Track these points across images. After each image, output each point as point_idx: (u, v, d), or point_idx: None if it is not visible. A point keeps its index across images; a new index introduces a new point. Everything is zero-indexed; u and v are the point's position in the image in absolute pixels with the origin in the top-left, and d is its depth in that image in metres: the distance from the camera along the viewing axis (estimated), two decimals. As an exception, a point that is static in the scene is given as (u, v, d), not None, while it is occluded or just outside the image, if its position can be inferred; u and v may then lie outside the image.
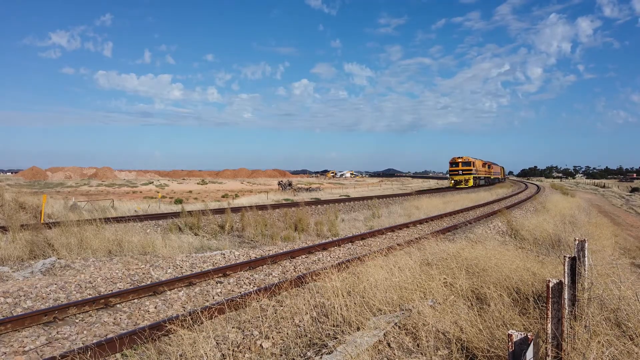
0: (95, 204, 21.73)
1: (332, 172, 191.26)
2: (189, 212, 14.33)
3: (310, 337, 4.76)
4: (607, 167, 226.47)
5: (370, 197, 27.92)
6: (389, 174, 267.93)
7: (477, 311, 4.69)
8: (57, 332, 5.49)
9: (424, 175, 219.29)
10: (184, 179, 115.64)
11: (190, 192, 71.31)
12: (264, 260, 9.27)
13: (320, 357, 4.07)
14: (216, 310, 5.74)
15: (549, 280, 3.42)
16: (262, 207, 18.39)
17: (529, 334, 2.68)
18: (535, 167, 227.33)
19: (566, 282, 3.70)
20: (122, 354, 4.82)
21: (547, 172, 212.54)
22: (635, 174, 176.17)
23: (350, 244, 11.92)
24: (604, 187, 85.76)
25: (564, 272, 3.83)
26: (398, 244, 9.90)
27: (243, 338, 4.92)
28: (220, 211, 16.45)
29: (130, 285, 7.51)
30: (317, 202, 24.73)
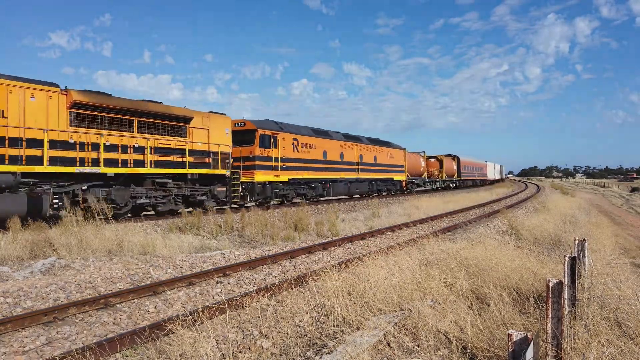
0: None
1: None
2: (189, 211, 14.32)
3: (310, 337, 4.76)
4: (607, 166, 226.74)
5: (371, 197, 27.92)
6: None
7: (477, 311, 4.69)
8: (57, 332, 5.48)
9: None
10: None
11: (190, 192, 71.22)
12: (264, 260, 9.27)
13: (320, 357, 4.07)
14: (216, 310, 5.74)
15: (549, 280, 3.42)
16: (262, 207, 18.38)
17: (529, 333, 2.68)
18: (535, 166, 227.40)
19: (566, 282, 3.70)
20: (122, 354, 4.82)
21: (547, 172, 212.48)
22: (635, 174, 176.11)
23: (350, 243, 11.92)
24: (604, 186, 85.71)
25: (564, 271, 3.83)
26: (398, 244, 9.90)
27: (243, 338, 4.92)
28: (220, 211, 16.43)
29: (130, 285, 7.51)
30: (317, 202, 24.70)
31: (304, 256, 10.16)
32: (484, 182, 63.26)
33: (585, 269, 4.79)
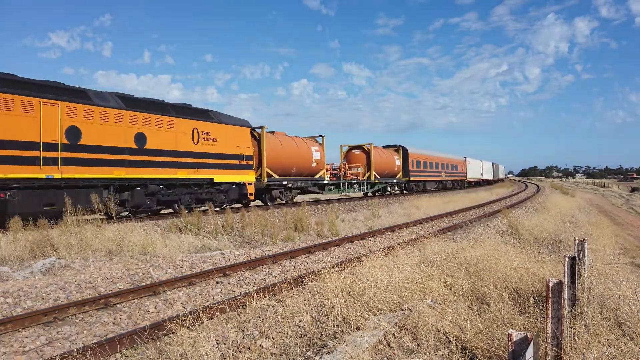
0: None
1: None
2: (188, 211, 14.32)
3: (310, 337, 4.76)
4: (607, 166, 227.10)
5: (371, 197, 27.87)
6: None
7: (477, 311, 4.69)
8: (57, 332, 5.49)
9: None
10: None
11: (190, 192, 71.17)
12: (264, 260, 9.27)
13: (320, 357, 4.07)
14: (217, 310, 5.75)
15: (549, 280, 3.43)
16: (262, 207, 18.38)
17: (528, 333, 2.68)
18: (535, 167, 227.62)
19: (566, 282, 3.70)
20: (122, 354, 4.82)
21: (547, 172, 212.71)
22: (635, 174, 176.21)
23: (350, 243, 11.92)
24: (603, 186, 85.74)
25: (564, 271, 3.84)
26: (398, 244, 9.90)
27: (243, 338, 4.92)
28: (220, 211, 16.44)
29: (130, 285, 7.51)
30: (317, 202, 24.72)
31: (304, 256, 10.16)
32: (460, 185, 47.73)
33: (585, 269, 4.79)
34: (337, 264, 8.20)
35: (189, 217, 13.28)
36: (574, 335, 3.71)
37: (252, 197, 18.65)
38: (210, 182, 16.67)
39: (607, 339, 3.88)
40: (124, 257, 9.29)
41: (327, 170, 25.02)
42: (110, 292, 7.04)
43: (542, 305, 4.79)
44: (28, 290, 6.84)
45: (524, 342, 2.65)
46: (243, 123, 18.52)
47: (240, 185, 18.10)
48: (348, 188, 26.87)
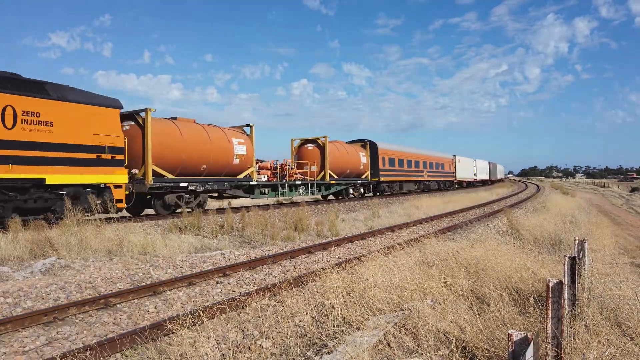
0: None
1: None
2: (189, 211, 14.32)
3: (310, 337, 4.76)
4: (607, 166, 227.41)
5: (370, 197, 27.85)
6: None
7: (477, 311, 4.69)
8: (57, 332, 5.49)
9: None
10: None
11: (190, 192, 71.09)
12: (264, 260, 9.27)
13: (320, 357, 4.07)
14: (217, 310, 5.75)
15: (549, 280, 3.43)
16: (262, 207, 18.38)
17: (528, 333, 2.68)
18: (535, 167, 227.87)
19: (566, 282, 3.71)
20: (122, 354, 4.82)
21: (547, 172, 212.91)
22: (635, 174, 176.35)
23: (350, 243, 11.92)
24: (604, 186, 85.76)
25: (564, 271, 3.84)
26: (398, 244, 9.91)
27: (243, 338, 4.93)
28: (220, 211, 16.44)
29: (130, 285, 7.51)
30: (317, 202, 24.72)
31: (304, 256, 10.16)
32: (448, 185, 42.88)
33: (585, 269, 4.79)
34: (337, 264, 8.20)
35: (189, 217, 13.28)
36: (574, 335, 3.72)
37: (122, 205, 13.30)
38: (39, 184, 11.33)
39: (607, 339, 3.88)
40: (124, 257, 9.29)
41: (267, 169, 21.23)
42: (110, 292, 7.04)
43: (542, 305, 4.79)
44: (28, 290, 6.84)
45: (524, 342, 2.65)
46: (106, 102, 12.88)
47: (100, 189, 12.72)
48: (291, 190, 21.46)
